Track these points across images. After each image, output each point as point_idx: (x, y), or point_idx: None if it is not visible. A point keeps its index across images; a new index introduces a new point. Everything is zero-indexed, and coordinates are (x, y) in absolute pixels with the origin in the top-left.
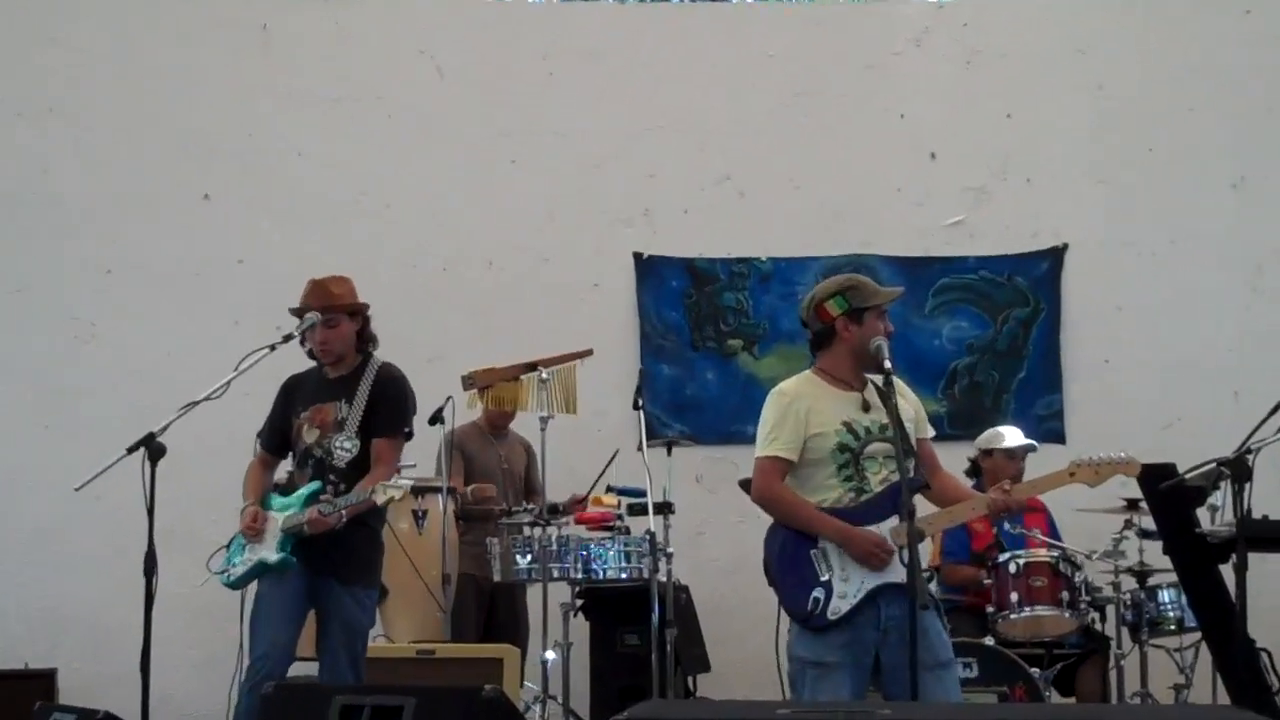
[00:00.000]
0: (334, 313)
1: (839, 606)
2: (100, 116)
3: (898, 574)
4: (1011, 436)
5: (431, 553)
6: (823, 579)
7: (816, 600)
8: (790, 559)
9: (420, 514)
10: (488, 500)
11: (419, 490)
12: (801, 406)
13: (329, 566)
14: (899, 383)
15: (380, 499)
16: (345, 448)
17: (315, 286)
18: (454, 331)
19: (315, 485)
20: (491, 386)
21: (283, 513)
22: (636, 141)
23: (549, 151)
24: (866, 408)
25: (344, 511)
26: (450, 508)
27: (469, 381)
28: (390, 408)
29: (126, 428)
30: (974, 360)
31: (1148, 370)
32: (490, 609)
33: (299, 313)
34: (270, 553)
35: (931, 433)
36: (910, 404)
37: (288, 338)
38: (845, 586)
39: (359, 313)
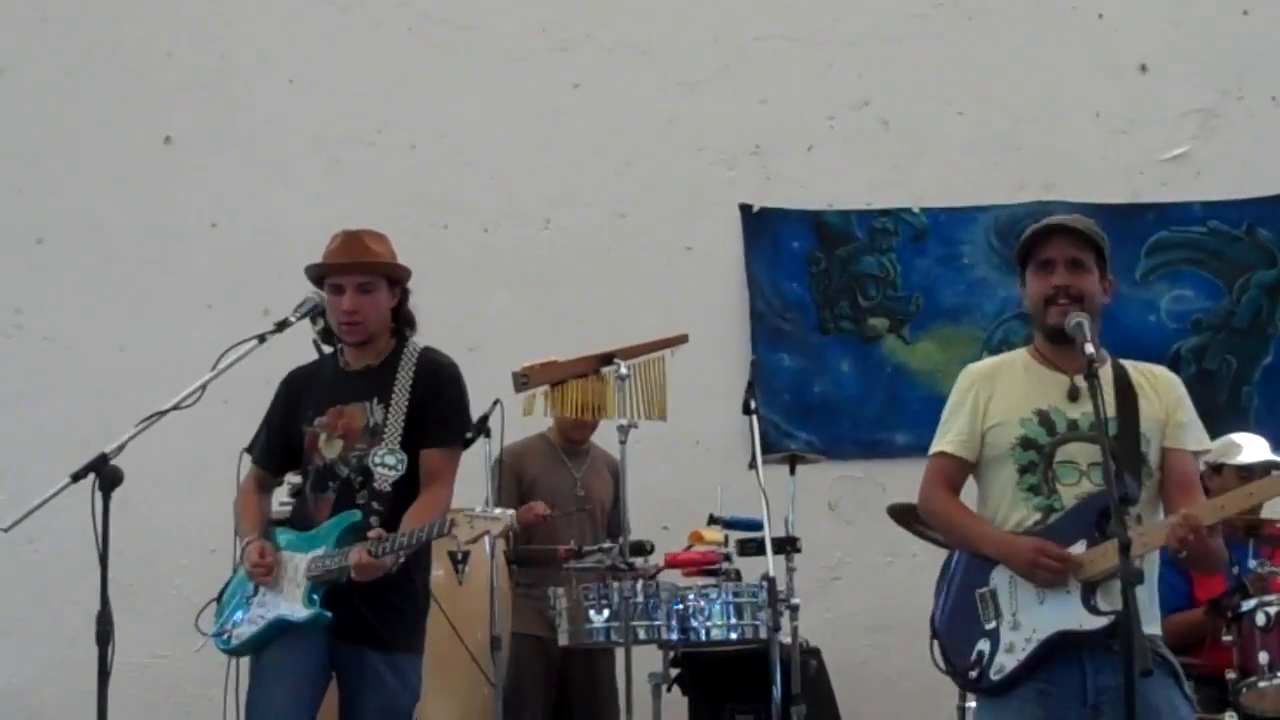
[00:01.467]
0: (371, 272)
1: (1004, 663)
2: (25, 38)
3: (1079, 618)
4: (1251, 449)
5: (476, 609)
6: (988, 627)
7: (980, 654)
8: (955, 603)
9: (460, 557)
10: (539, 523)
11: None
12: (986, 390)
13: (361, 629)
14: (1158, 374)
15: (465, 535)
16: (389, 464)
17: (348, 239)
18: (500, 313)
19: (355, 516)
20: (561, 386)
21: (304, 553)
22: (742, 56)
23: (624, 71)
24: (1075, 395)
25: (402, 553)
26: (500, 548)
27: (523, 380)
28: (445, 407)
29: (68, 448)
30: (1203, 341)
31: None
32: (561, 682)
33: (317, 277)
34: (294, 607)
35: (1196, 446)
36: (1161, 403)
37: (281, 325)
38: (1014, 637)
39: (401, 281)
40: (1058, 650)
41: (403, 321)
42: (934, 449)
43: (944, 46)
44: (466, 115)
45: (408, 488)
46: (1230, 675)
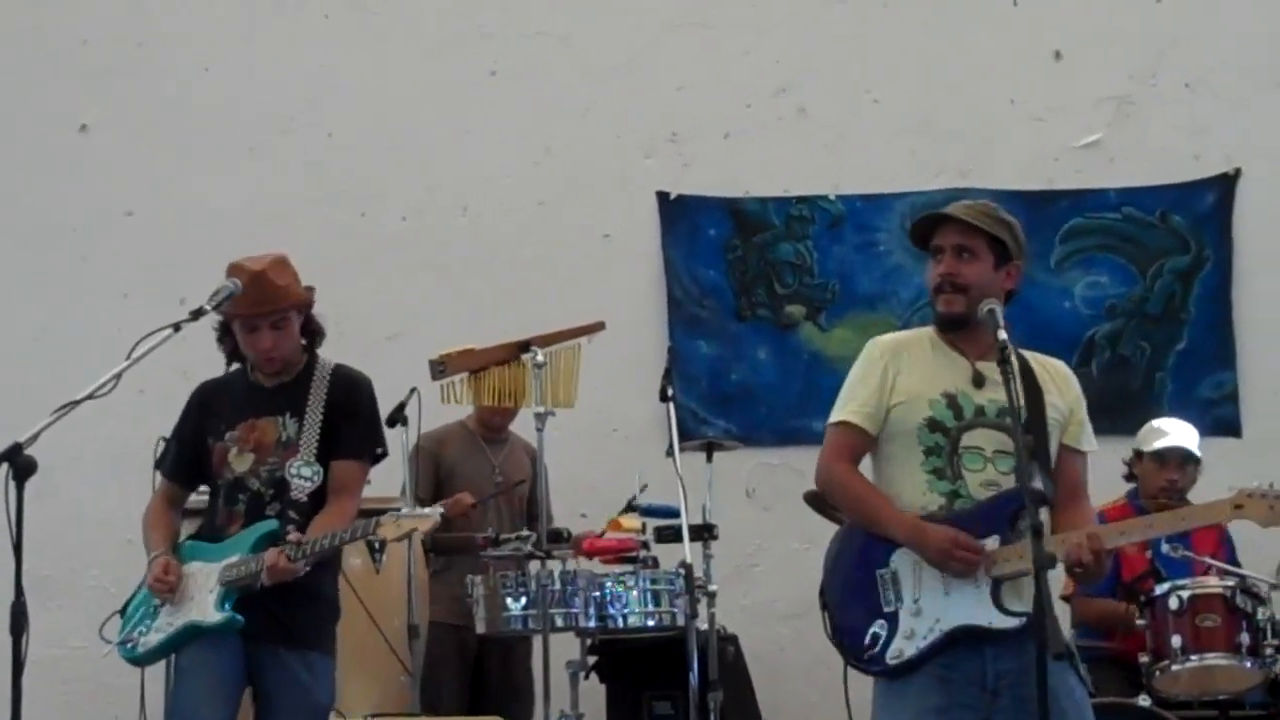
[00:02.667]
0: (283, 313)
1: (902, 649)
2: None
3: (989, 615)
4: (1175, 434)
5: (393, 598)
6: (887, 610)
7: (876, 637)
8: (849, 578)
9: (378, 546)
10: (464, 515)
11: (368, 513)
12: (894, 364)
13: (274, 629)
14: (1059, 368)
15: (393, 533)
16: (305, 475)
17: (251, 281)
18: (418, 301)
19: (272, 524)
20: (478, 373)
21: (217, 561)
22: (659, 43)
23: (542, 59)
24: (981, 382)
25: (313, 558)
26: (418, 536)
27: (440, 368)
28: (359, 423)
29: None
30: (1118, 327)
31: None
32: (478, 671)
33: (218, 305)
34: (206, 612)
35: (1090, 447)
36: (1064, 398)
37: (196, 314)
38: (915, 623)
39: (309, 305)
40: (959, 639)
41: (312, 333)
42: (835, 418)
43: (861, 33)
44: (384, 103)
45: (320, 499)
46: (1143, 659)
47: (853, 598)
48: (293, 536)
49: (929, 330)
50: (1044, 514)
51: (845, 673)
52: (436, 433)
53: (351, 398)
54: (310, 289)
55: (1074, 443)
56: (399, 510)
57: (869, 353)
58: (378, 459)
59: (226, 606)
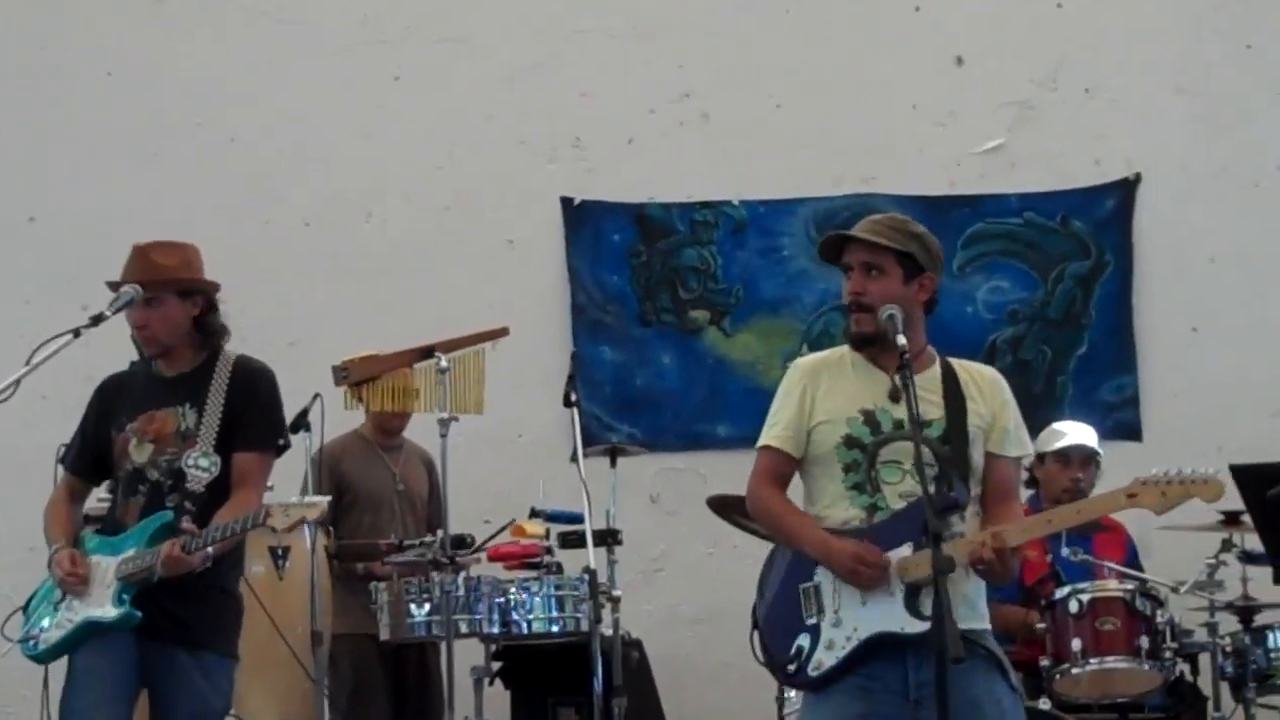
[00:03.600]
0: (156, 288)
1: (822, 660)
2: None
3: (901, 621)
4: (1076, 433)
5: (296, 605)
6: (809, 622)
7: (799, 650)
8: (778, 596)
9: (281, 553)
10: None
11: None
12: (813, 386)
13: (170, 628)
14: (985, 375)
15: (281, 524)
16: (202, 466)
17: (135, 254)
18: (321, 307)
19: (167, 516)
20: (376, 380)
21: (114, 555)
22: (563, 49)
23: (445, 64)
24: (897, 396)
25: (211, 548)
26: (322, 543)
27: (343, 374)
28: (260, 413)
29: None
30: (1019, 332)
31: (1250, 340)
32: (396, 677)
33: (118, 309)
34: (104, 608)
35: (1018, 452)
36: (987, 405)
37: (97, 319)
38: (835, 634)
39: (196, 292)
40: (879, 646)
41: (209, 331)
42: (761, 442)
43: (764, 39)
44: (287, 108)
45: (219, 492)
46: (1044, 662)
47: (780, 614)
48: (186, 527)
49: (848, 348)
50: (969, 519)
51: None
52: (334, 446)
53: (251, 388)
54: (211, 284)
55: (998, 449)
56: (287, 499)
57: (790, 376)
58: (280, 450)
59: (124, 601)
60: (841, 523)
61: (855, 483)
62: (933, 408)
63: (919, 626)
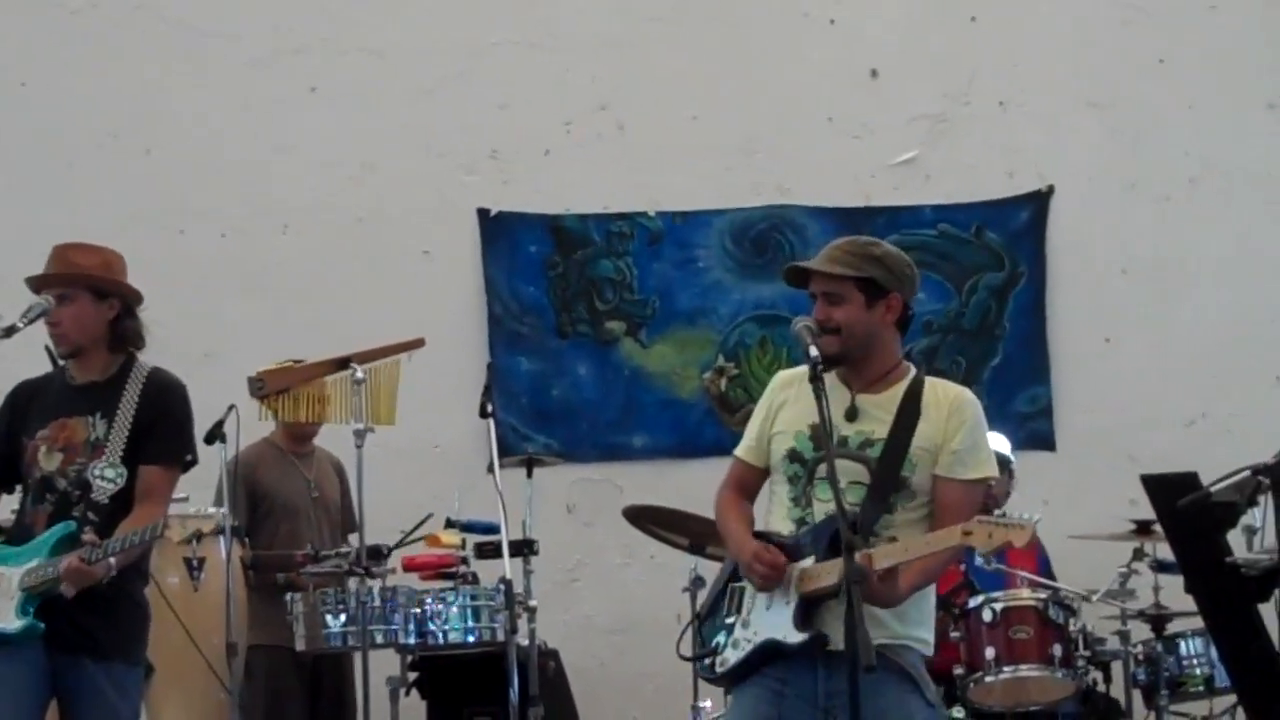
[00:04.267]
0: (68, 284)
1: (727, 658)
2: None
3: (786, 631)
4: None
5: (211, 616)
6: (729, 621)
7: (717, 645)
8: (716, 593)
9: (196, 564)
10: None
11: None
12: (779, 399)
13: (77, 639)
14: (951, 397)
15: (178, 535)
16: (108, 477)
17: (54, 253)
18: (237, 319)
19: (69, 526)
20: (289, 391)
21: (18, 566)
22: (479, 60)
23: (361, 75)
24: (854, 415)
25: (114, 559)
26: (237, 554)
27: (259, 386)
28: (168, 427)
29: None
30: (934, 342)
31: (1162, 351)
32: (313, 690)
33: (30, 321)
34: (7, 619)
35: (972, 475)
36: (938, 427)
37: (9, 331)
38: (741, 634)
39: (112, 294)
40: (783, 655)
41: (124, 336)
42: (736, 451)
43: (680, 51)
44: (203, 119)
45: (125, 503)
46: (958, 671)
47: (712, 611)
48: (87, 538)
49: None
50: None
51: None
52: (248, 454)
53: (163, 402)
54: (129, 288)
55: (945, 471)
56: (187, 511)
57: (769, 386)
58: (187, 466)
59: (28, 612)
60: (781, 534)
61: (794, 496)
62: (881, 426)
63: (799, 638)
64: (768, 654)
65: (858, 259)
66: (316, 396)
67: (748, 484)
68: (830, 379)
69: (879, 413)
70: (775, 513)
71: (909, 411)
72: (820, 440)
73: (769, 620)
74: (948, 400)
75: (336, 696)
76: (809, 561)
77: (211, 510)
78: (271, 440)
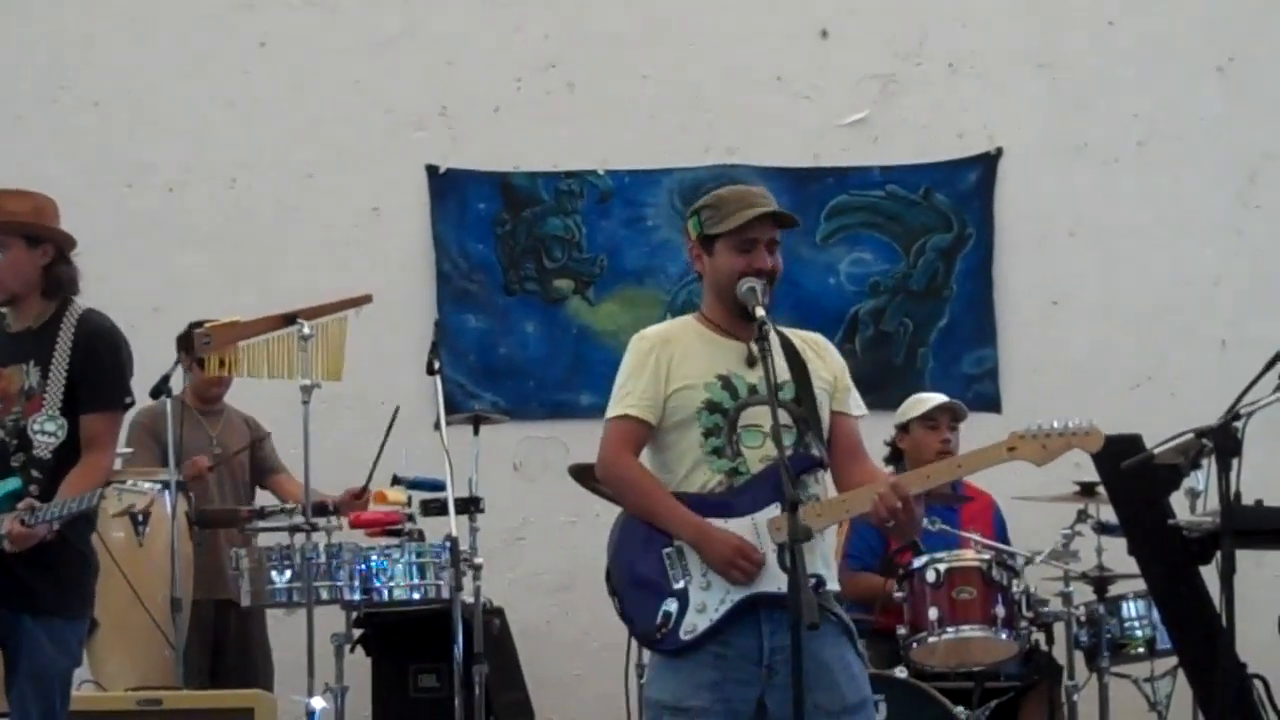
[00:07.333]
0: (2, 234)
1: (695, 623)
2: None
3: (777, 581)
4: (938, 396)
5: (156, 571)
6: (676, 587)
7: (668, 615)
8: (637, 560)
9: (140, 519)
10: (200, 478)
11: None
12: (666, 354)
13: (18, 596)
14: (817, 339)
15: (114, 508)
16: (49, 430)
17: None
18: (184, 273)
19: (15, 483)
20: (243, 345)
21: None
22: (429, 16)
23: (310, 30)
24: (754, 362)
25: (55, 522)
26: (182, 509)
27: (205, 340)
28: (104, 371)
29: None
30: (881, 303)
31: (1108, 314)
32: (216, 644)
33: None
34: None
35: (860, 411)
36: (828, 367)
37: None
38: (705, 596)
39: (45, 240)
40: (741, 611)
41: (58, 282)
42: (614, 413)
43: (630, 9)
44: (151, 73)
45: (69, 453)
46: (901, 631)
47: (641, 579)
48: (24, 504)
49: (690, 320)
50: (821, 478)
51: (629, 650)
52: (155, 408)
53: (94, 346)
54: (62, 233)
55: (843, 408)
56: (123, 483)
57: (637, 346)
58: (127, 407)
59: None
60: (701, 486)
61: (715, 447)
62: (782, 369)
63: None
64: (746, 609)
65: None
66: (223, 344)
67: (639, 444)
68: (703, 331)
69: (760, 356)
70: (685, 467)
71: (793, 353)
72: (736, 388)
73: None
74: (814, 341)
75: (242, 651)
76: (774, 510)
77: (145, 486)
78: (179, 397)
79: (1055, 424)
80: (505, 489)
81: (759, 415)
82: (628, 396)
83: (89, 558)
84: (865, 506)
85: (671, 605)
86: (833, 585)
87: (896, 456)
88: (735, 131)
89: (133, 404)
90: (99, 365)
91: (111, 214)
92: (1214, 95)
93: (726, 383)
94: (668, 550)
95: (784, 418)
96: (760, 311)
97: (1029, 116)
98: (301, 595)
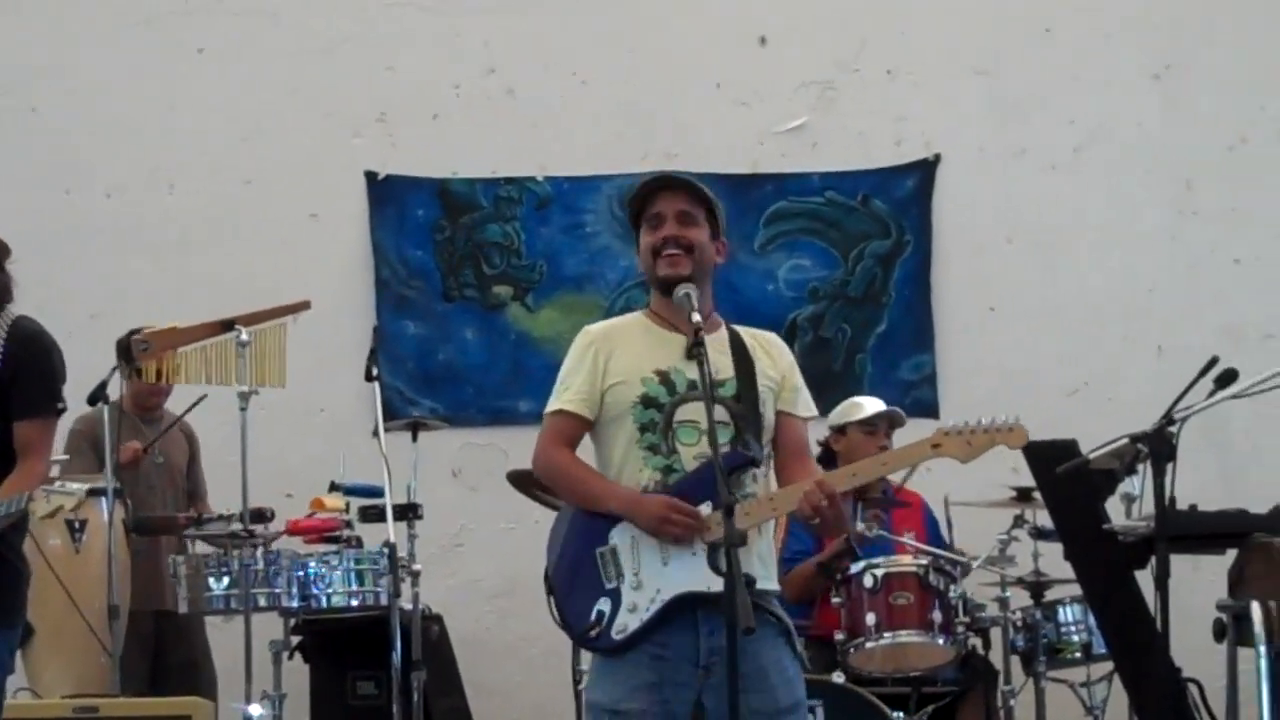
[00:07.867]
0: None
1: (626, 623)
2: None
3: (706, 580)
4: (875, 403)
5: (93, 578)
6: (609, 586)
7: (601, 614)
8: (571, 560)
9: (77, 526)
10: (134, 462)
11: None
12: (605, 349)
13: None
14: (769, 338)
15: (42, 511)
16: None
17: None
18: (122, 279)
19: None
20: (179, 351)
21: None
22: (369, 22)
23: (250, 36)
24: (693, 355)
25: None
26: (119, 516)
27: (143, 346)
28: (34, 377)
29: None
30: (819, 309)
31: (1045, 320)
32: (157, 653)
33: None
34: None
35: (810, 412)
36: (775, 366)
37: None
38: (637, 597)
39: None
40: (676, 611)
41: None
42: (551, 408)
43: (569, 16)
44: (90, 78)
45: (2, 461)
46: (839, 636)
47: (576, 579)
48: None
49: (639, 315)
50: (760, 480)
51: (573, 657)
52: (91, 414)
53: (25, 351)
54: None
55: (789, 408)
56: (51, 484)
57: (579, 341)
58: (59, 414)
59: None
60: (636, 484)
61: (651, 444)
62: (725, 366)
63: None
64: (677, 609)
65: (704, 189)
66: (162, 350)
67: (575, 439)
68: (649, 325)
69: (713, 354)
70: (622, 462)
71: (741, 349)
72: (673, 383)
73: (674, 575)
74: (765, 339)
75: (183, 658)
76: (706, 508)
77: (73, 487)
78: (117, 404)
79: (981, 420)
80: (444, 496)
81: (695, 412)
82: (565, 392)
83: (20, 566)
84: (792, 505)
85: (605, 605)
86: (772, 585)
87: (829, 458)
88: (674, 138)
89: (64, 410)
90: (30, 372)
91: (49, 220)
92: (1151, 103)
93: (665, 378)
94: (601, 550)
95: (722, 415)
96: (696, 317)
97: (967, 123)
98: (239, 602)
